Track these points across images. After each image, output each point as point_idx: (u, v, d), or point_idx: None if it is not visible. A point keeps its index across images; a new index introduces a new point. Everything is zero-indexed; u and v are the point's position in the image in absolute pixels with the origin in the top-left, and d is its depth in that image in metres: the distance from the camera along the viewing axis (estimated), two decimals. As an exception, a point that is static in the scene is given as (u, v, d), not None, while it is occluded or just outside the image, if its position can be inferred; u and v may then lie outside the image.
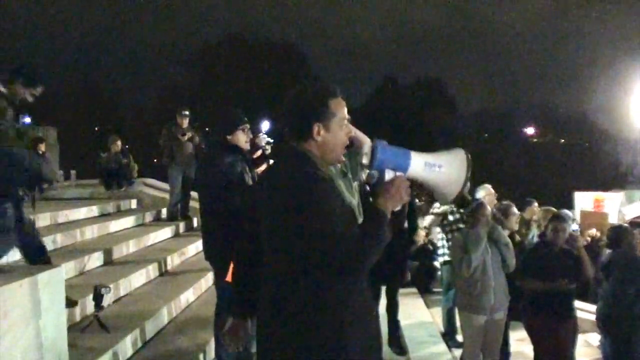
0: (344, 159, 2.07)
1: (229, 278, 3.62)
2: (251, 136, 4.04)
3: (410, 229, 5.81)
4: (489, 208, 4.66)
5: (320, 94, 1.96)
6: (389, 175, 1.95)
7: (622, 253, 4.84)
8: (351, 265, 1.81)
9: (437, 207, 5.91)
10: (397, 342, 5.40)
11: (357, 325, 1.91)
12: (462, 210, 5.61)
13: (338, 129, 1.97)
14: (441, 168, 1.94)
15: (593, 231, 7.12)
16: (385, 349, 5.24)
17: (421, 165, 1.95)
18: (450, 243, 5.57)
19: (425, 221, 7.73)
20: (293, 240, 1.84)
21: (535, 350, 4.69)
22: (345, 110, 2.01)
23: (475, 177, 6.28)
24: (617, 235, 4.96)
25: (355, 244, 1.79)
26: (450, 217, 5.80)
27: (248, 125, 3.93)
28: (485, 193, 5.95)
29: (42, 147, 8.55)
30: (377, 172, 1.97)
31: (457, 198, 2.15)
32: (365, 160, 1.97)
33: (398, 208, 1.96)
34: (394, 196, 1.89)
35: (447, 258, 5.86)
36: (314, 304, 1.87)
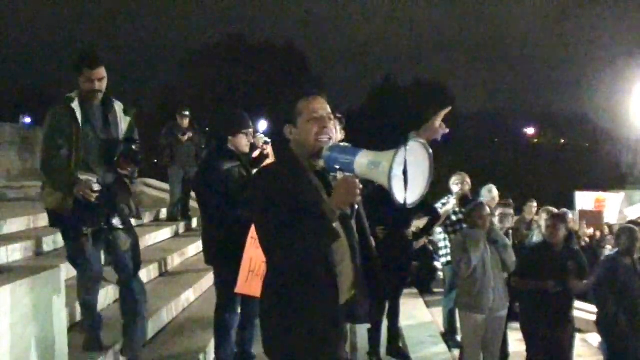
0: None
1: (238, 289, 3.57)
2: (252, 140, 4.01)
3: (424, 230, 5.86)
4: (487, 209, 4.66)
5: (290, 100, 2.23)
6: (340, 176, 2.00)
7: (608, 256, 4.80)
8: (285, 249, 2.02)
9: (440, 207, 5.89)
10: (398, 352, 5.29)
11: (305, 318, 2.07)
12: (464, 210, 5.61)
13: (305, 124, 2.16)
14: (380, 166, 1.86)
15: (590, 231, 7.09)
16: (384, 350, 5.26)
17: (364, 165, 1.91)
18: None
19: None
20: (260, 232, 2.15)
21: (528, 352, 4.69)
22: (317, 105, 2.17)
23: (476, 178, 6.33)
24: (616, 237, 4.92)
25: (291, 235, 1.99)
26: (453, 217, 5.79)
27: (252, 131, 3.89)
28: (489, 196, 5.97)
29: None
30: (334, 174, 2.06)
31: (418, 198, 1.98)
32: (322, 163, 2.10)
33: (347, 208, 2.05)
34: (336, 196, 2.00)
35: (449, 258, 5.85)
36: (274, 293, 2.15)
